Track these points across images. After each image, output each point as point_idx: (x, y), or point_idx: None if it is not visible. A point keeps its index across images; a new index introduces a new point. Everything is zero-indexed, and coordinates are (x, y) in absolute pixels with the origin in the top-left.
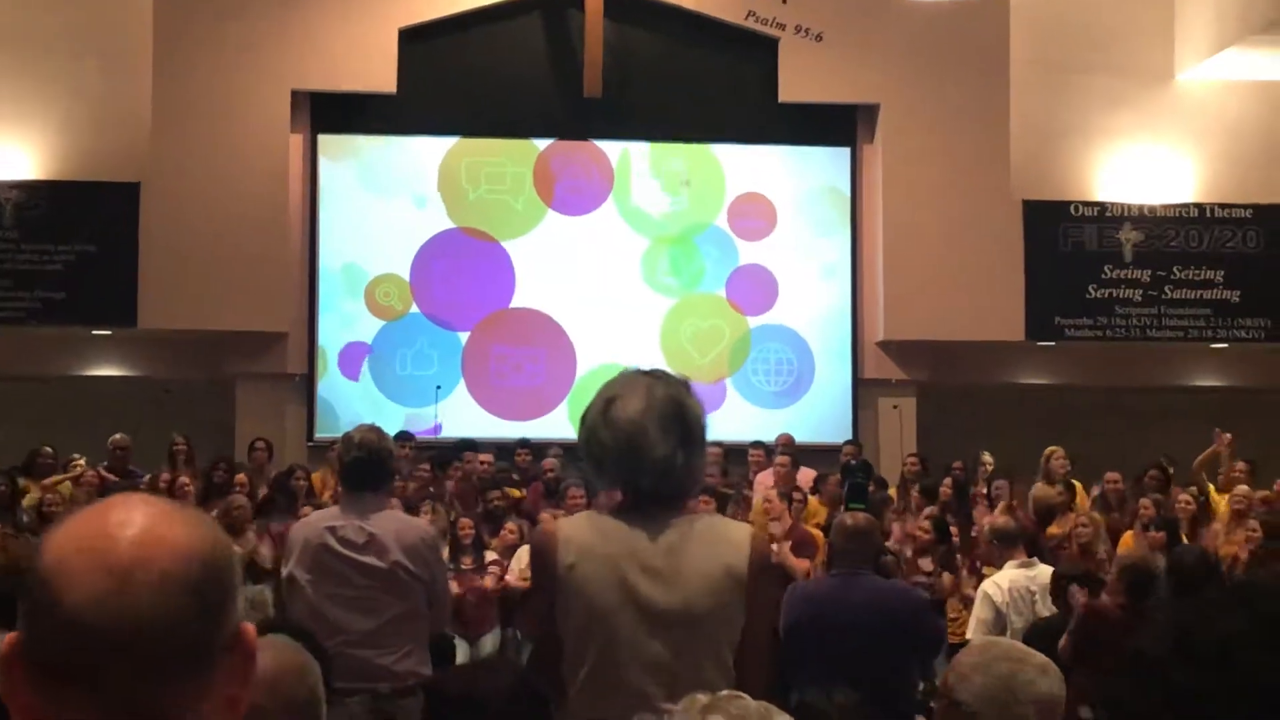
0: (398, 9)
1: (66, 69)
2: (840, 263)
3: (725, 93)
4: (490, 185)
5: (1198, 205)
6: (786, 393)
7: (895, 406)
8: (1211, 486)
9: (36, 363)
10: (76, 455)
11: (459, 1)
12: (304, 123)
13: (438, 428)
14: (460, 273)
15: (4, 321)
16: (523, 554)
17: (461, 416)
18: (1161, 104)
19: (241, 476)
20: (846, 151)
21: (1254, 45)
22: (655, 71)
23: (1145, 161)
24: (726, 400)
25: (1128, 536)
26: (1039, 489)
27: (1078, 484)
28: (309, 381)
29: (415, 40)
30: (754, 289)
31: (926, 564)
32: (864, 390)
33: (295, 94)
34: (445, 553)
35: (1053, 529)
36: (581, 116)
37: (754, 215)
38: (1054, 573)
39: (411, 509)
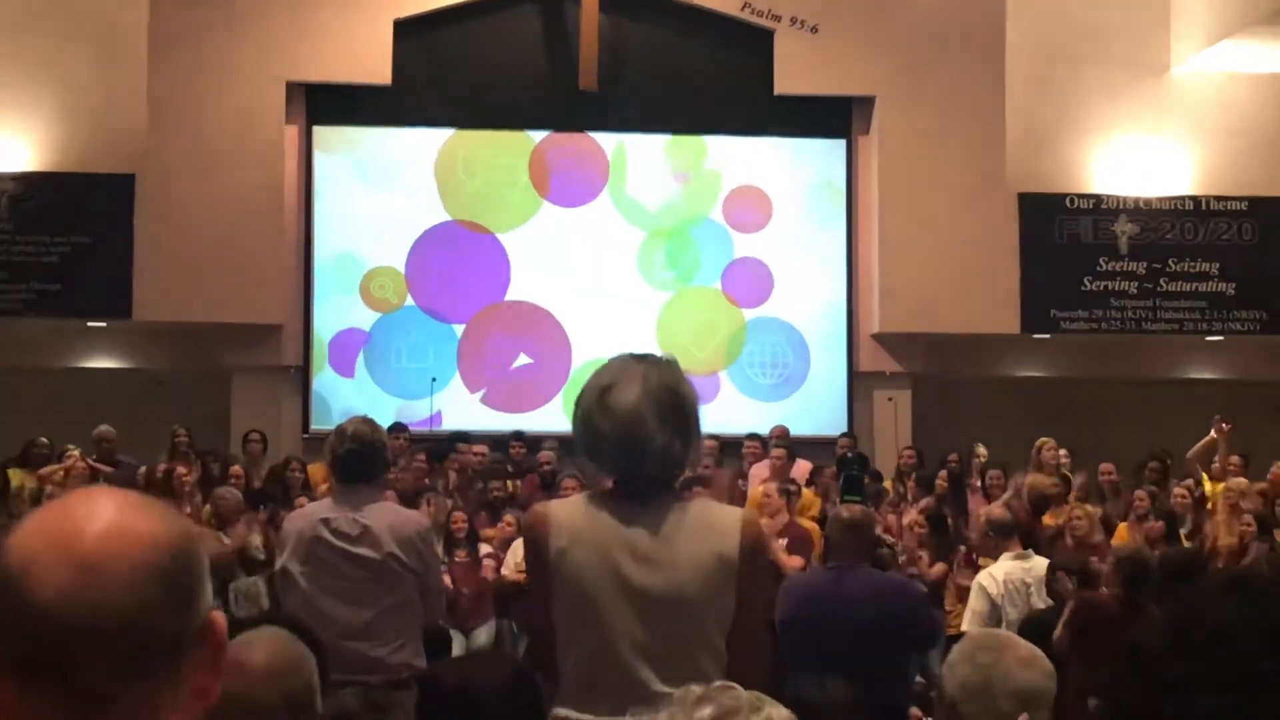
0: (393, 1)
1: (61, 60)
2: (836, 255)
3: (721, 85)
4: (485, 177)
5: (1193, 198)
6: (782, 385)
7: (890, 399)
8: (1205, 476)
9: (31, 355)
10: (71, 446)
11: None
12: (299, 115)
13: (438, 416)
14: (455, 265)
15: None
16: (518, 547)
17: (456, 409)
18: (1158, 96)
19: (237, 469)
20: (842, 144)
21: (1251, 37)
22: (651, 64)
23: (1141, 154)
24: (722, 393)
25: (1122, 528)
26: (1034, 479)
27: (1070, 475)
28: (304, 374)
29: (410, 32)
30: (749, 282)
31: (922, 557)
32: (859, 383)
33: (290, 86)
34: (440, 546)
35: (1048, 519)
36: (577, 109)
37: (749, 208)
38: (1049, 564)
39: (408, 501)
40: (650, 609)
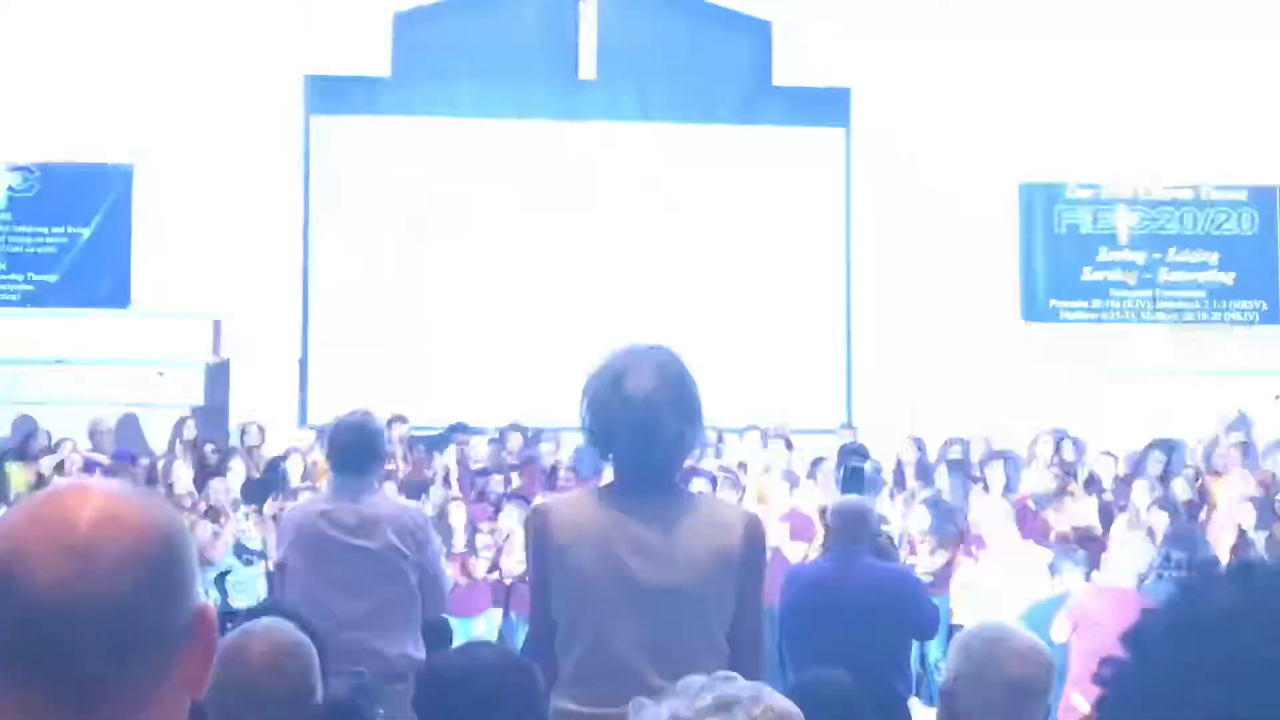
0: None
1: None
2: (834, 244)
3: (719, 74)
4: (484, 167)
5: (1193, 187)
6: (782, 375)
7: (890, 389)
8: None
9: (30, 346)
10: (68, 438)
11: None
12: (298, 105)
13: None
14: (454, 255)
15: None
16: (517, 540)
17: (456, 400)
18: (1158, 85)
19: (235, 460)
20: (841, 133)
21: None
22: (650, 53)
23: (1141, 143)
24: (722, 383)
25: (1122, 519)
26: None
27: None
28: (303, 364)
29: (409, 22)
30: (749, 272)
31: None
32: (859, 373)
33: (290, 76)
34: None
35: (1048, 513)
36: (576, 98)
37: (748, 197)
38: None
39: (407, 492)
40: (652, 604)
